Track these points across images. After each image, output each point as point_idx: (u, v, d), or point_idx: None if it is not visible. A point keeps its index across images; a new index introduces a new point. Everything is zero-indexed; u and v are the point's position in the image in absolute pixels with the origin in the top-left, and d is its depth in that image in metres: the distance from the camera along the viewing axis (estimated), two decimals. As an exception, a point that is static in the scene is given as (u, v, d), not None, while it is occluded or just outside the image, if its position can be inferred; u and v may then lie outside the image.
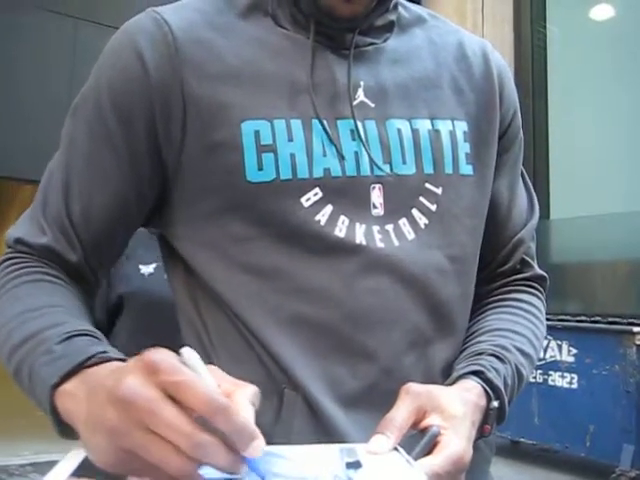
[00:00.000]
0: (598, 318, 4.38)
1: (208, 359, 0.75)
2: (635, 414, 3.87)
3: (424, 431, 0.64)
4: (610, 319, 4.28)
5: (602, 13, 5.32)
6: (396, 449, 0.60)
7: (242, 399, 0.53)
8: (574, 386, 4.24)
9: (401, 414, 0.63)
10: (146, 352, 0.51)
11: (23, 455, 4.69)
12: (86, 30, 5.20)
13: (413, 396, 0.65)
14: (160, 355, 0.50)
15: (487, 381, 0.72)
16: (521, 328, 0.83)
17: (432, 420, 0.64)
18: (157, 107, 0.73)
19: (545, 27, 5.33)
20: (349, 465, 0.56)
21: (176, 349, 0.64)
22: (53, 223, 0.76)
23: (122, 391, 0.49)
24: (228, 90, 0.73)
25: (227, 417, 0.48)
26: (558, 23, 5.37)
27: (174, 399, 0.49)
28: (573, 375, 4.25)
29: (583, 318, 4.47)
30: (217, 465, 0.49)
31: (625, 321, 4.17)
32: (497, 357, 0.76)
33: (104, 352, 0.61)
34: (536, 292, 0.90)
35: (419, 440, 0.63)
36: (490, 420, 0.72)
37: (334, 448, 0.60)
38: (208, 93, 0.73)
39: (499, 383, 0.73)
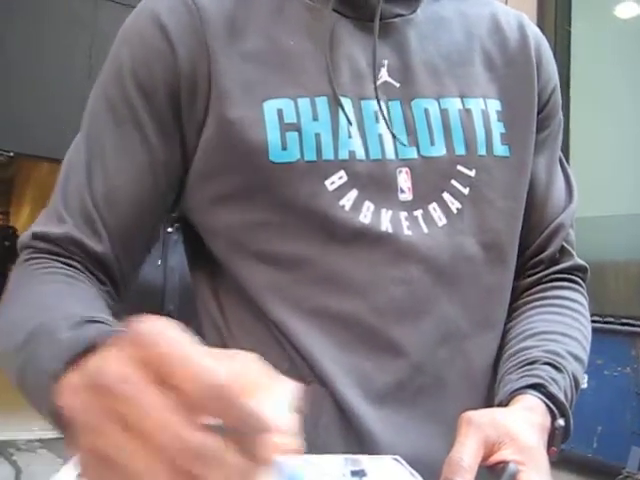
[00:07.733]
0: (611, 319, 4.35)
1: None
2: (644, 417, 3.85)
3: (495, 467, 0.55)
4: (623, 320, 4.25)
5: (627, 11, 5.25)
6: (397, 460, 0.58)
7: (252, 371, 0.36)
8: (584, 386, 4.19)
9: (469, 452, 0.54)
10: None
11: (32, 430, 4.73)
12: (106, 9, 5.20)
13: (476, 427, 0.56)
14: (147, 325, 0.33)
15: (550, 396, 0.65)
16: (570, 330, 0.76)
17: (505, 454, 0.56)
18: (183, 81, 0.69)
19: (570, 25, 5.27)
20: (354, 473, 0.55)
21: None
22: (75, 209, 0.70)
23: (98, 375, 0.34)
24: (250, 68, 0.69)
25: (226, 402, 0.32)
26: (582, 21, 5.31)
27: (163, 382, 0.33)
28: (584, 375, 4.22)
29: (596, 319, 4.43)
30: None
31: (638, 323, 4.14)
32: (553, 366, 0.68)
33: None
34: (577, 287, 0.83)
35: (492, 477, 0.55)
36: (556, 441, 0.64)
37: (338, 458, 0.58)
38: (233, 70, 0.69)
39: (562, 397, 0.65)
